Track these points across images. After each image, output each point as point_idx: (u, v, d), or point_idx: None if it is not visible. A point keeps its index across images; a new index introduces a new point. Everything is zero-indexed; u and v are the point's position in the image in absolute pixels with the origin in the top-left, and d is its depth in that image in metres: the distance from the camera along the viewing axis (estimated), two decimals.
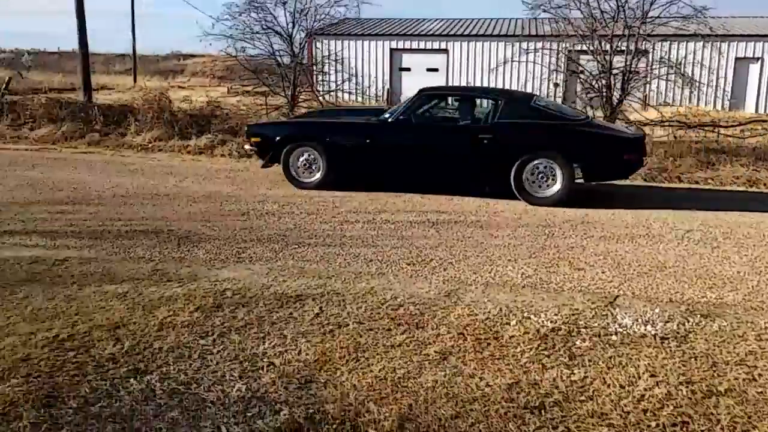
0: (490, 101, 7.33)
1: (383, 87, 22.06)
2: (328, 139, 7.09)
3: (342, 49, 19.51)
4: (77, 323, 3.18)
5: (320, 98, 13.73)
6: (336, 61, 16.76)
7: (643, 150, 6.92)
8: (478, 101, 7.76)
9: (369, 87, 20.62)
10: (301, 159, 7.19)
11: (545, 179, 6.57)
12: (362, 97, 20.43)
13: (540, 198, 6.59)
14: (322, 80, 15.93)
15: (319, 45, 18.57)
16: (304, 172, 7.24)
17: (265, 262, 4.36)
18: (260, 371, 2.74)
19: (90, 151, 10.31)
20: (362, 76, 20.32)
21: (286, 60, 12.92)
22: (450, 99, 8.05)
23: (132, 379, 2.64)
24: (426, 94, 7.33)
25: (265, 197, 6.75)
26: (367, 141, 6.98)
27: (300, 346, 2.99)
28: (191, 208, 6.14)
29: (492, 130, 6.70)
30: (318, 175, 7.19)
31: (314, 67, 16.08)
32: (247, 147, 7.98)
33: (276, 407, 2.45)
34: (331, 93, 15.47)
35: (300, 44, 13.15)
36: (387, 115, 7.21)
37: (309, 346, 2.99)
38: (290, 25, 12.71)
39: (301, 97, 12.90)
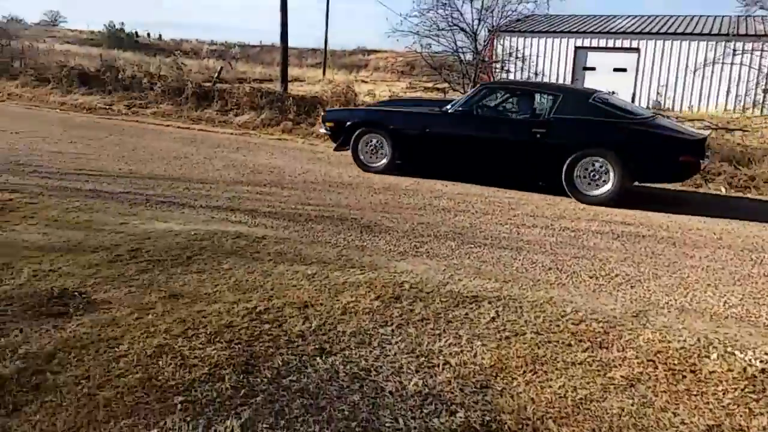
0: (549, 96, 7.25)
1: None
2: (392, 127, 7.54)
3: (524, 47, 19.05)
4: (272, 298, 3.46)
5: None
6: (518, 58, 16.41)
7: (702, 153, 6.32)
8: (537, 96, 7.73)
9: None
10: (369, 144, 7.74)
11: (597, 177, 6.48)
12: None
13: (590, 196, 6.52)
14: (502, 77, 15.70)
15: (501, 42, 18.31)
16: (371, 157, 7.78)
17: (441, 259, 4.40)
18: (436, 368, 2.76)
19: (284, 138, 11.19)
20: (543, 75, 19.68)
21: (468, 57, 12.93)
22: (510, 93, 8.08)
23: (318, 358, 2.81)
24: (487, 87, 7.78)
25: (441, 193, 6.82)
26: (426, 130, 7.32)
27: (476, 348, 2.96)
28: (372, 198, 6.39)
29: (546, 124, 6.76)
30: (384, 161, 7.70)
31: (495, 65, 15.90)
32: (322, 131, 8.68)
33: (452, 408, 2.45)
34: None
35: (484, 41, 13.07)
36: (448, 107, 7.45)
37: (485, 350, 2.95)
38: (475, 22, 12.71)
39: None
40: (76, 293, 3.39)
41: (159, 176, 6.65)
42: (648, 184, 7.34)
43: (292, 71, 25.31)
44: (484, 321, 3.28)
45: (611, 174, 6.38)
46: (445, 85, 13.74)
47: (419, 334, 3.10)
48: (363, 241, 4.76)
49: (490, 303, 3.52)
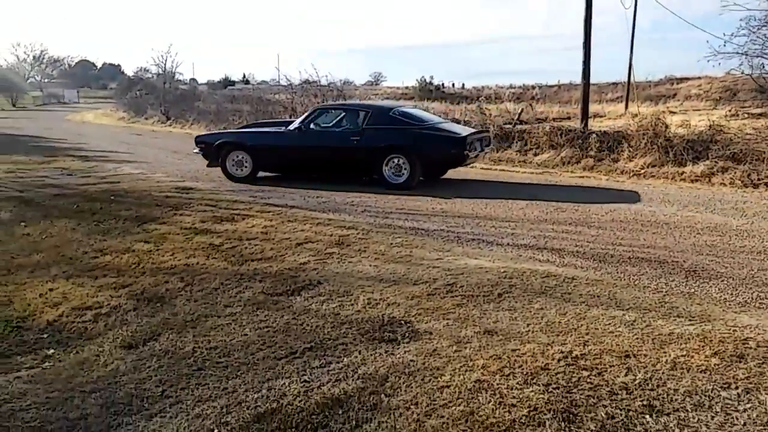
0: (362, 112, 9.39)
1: None
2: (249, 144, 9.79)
3: None
4: (588, 343, 3.27)
5: None
6: None
7: (465, 146, 8.70)
8: (356, 111, 9.60)
9: None
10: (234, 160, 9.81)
11: (400, 170, 8.83)
12: None
13: (394, 184, 8.77)
14: None
15: None
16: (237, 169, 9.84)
17: None
18: None
19: (585, 175, 10.80)
20: None
21: None
22: (336, 110, 10.09)
23: (648, 416, 2.53)
24: (318, 108, 10.12)
25: None
26: (275, 145, 9.71)
27: None
28: (694, 239, 5.68)
29: (361, 133, 9.00)
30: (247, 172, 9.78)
31: None
32: (195, 151, 10.42)
33: None
34: None
35: None
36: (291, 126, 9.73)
37: None
38: None
39: None
40: (402, 322, 3.71)
41: (467, 215, 6.99)
42: None
43: (592, 107, 24.45)
44: None
45: (407, 168, 8.79)
46: None
47: None
48: (689, 288, 4.22)
49: None
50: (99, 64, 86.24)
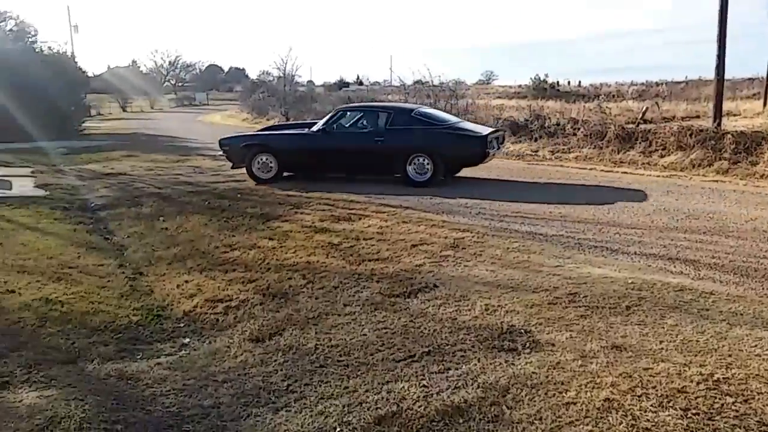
0: (384, 113, 9.68)
1: None
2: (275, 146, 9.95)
3: None
4: (731, 366, 3.01)
5: None
6: None
7: (486, 144, 9.10)
8: (377, 113, 9.83)
9: None
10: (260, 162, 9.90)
11: (423, 169, 9.17)
12: None
13: (418, 182, 9.11)
14: None
15: None
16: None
17: None
18: None
19: (718, 179, 9.97)
20: None
21: None
22: (357, 112, 10.21)
23: None
24: (340, 110, 10.23)
25: None
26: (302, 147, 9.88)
27: None
28: None
29: (384, 133, 9.30)
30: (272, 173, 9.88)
31: None
32: (219, 153, 10.74)
33: None
34: None
35: None
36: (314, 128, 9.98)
37: None
38: None
39: None
40: (522, 331, 3.61)
41: (588, 220, 6.68)
42: None
43: (725, 105, 22.49)
44: None
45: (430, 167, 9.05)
46: None
47: None
48: None
49: None
50: (226, 68, 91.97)
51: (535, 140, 14.97)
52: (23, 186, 9.58)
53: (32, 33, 22.43)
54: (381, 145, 9.25)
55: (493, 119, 16.68)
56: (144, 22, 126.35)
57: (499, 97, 34.82)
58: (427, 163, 9.08)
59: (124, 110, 45.83)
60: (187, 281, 5.06)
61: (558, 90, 41.32)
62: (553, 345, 3.39)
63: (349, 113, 10.23)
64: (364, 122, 9.87)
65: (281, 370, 3.35)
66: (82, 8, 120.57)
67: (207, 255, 5.77)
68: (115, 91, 47.46)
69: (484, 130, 9.67)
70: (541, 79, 43.33)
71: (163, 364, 3.54)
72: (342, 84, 59.80)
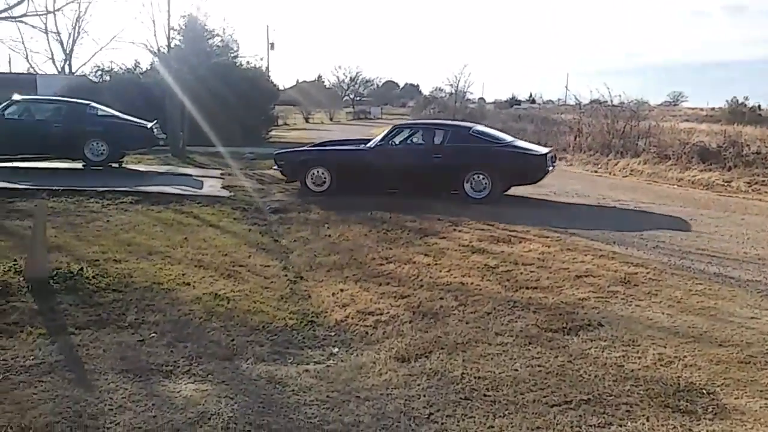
0: (440, 131, 9.98)
1: None
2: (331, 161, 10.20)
3: None
4: None
5: None
6: None
7: (546, 162, 9.34)
8: (434, 130, 10.12)
9: None
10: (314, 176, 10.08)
11: (481, 186, 9.29)
12: None
13: (475, 198, 9.25)
14: None
15: None
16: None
17: None
18: None
19: None
20: None
21: None
22: (414, 129, 10.68)
23: None
24: (397, 127, 10.48)
25: None
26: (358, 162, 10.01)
27: None
28: None
29: (442, 151, 9.56)
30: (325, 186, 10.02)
31: None
32: (274, 167, 10.80)
33: None
34: None
35: None
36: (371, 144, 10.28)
37: None
38: None
39: None
40: (703, 391, 3.09)
41: None
42: None
43: None
44: None
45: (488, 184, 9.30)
46: None
47: None
48: None
49: None
50: (401, 84, 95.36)
51: (729, 169, 13.34)
52: (212, 186, 10.57)
53: (234, 49, 24.97)
54: (438, 162, 9.49)
55: (678, 143, 15.22)
56: (330, 39, 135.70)
57: (687, 120, 31.80)
58: (485, 180, 9.30)
59: (307, 121, 49.35)
60: (342, 290, 5.14)
61: (760, 115, 36.72)
62: (743, 414, 2.85)
63: (405, 130, 10.49)
64: (422, 139, 10.14)
65: (424, 395, 3.20)
66: (278, 27, 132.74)
67: (363, 266, 5.84)
68: (300, 104, 51.36)
69: (542, 149, 9.97)
70: (739, 101, 38.85)
71: (310, 371, 3.58)
72: (513, 101, 58.85)
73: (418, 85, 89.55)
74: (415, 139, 10.28)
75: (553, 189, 11.00)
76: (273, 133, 26.06)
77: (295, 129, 38.49)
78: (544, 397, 3.12)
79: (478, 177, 9.34)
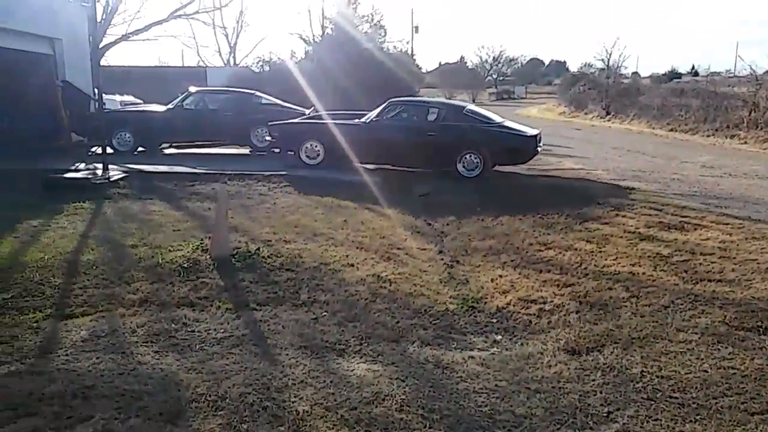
0: (435, 108, 10.04)
1: None
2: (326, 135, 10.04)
3: None
4: None
5: None
6: None
7: (536, 144, 9.59)
8: (427, 108, 10.18)
9: None
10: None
11: (473, 164, 9.48)
12: None
13: (468, 177, 9.40)
14: None
15: None
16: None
17: None
18: None
19: None
20: None
21: None
22: (408, 106, 10.39)
23: None
24: (392, 103, 10.22)
25: None
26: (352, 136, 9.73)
27: None
28: None
29: (437, 128, 9.59)
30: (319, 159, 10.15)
31: None
32: (267, 138, 11.12)
33: None
34: None
35: None
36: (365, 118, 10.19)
37: None
38: None
39: None
40: None
41: None
42: None
43: None
44: None
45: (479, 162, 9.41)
46: None
47: None
48: None
49: None
50: (546, 62, 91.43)
51: None
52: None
53: (382, 34, 25.49)
54: (433, 140, 9.56)
55: None
56: (473, 19, 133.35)
57: None
58: (476, 159, 9.43)
59: None
60: (501, 276, 5.04)
61: None
62: None
63: (400, 107, 10.32)
64: (416, 116, 10.11)
65: (600, 392, 3.04)
66: (421, 9, 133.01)
67: (521, 251, 5.68)
68: (443, 86, 51.24)
69: (532, 131, 10.06)
70: None
71: (476, 358, 3.55)
72: (673, 75, 53.94)
73: (565, 62, 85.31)
74: (409, 116, 10.22)
75: (727, 170, 9.96)
76: None
77: None
78: (742, 403, 2.82)
79: (470, 156, 9.50)
